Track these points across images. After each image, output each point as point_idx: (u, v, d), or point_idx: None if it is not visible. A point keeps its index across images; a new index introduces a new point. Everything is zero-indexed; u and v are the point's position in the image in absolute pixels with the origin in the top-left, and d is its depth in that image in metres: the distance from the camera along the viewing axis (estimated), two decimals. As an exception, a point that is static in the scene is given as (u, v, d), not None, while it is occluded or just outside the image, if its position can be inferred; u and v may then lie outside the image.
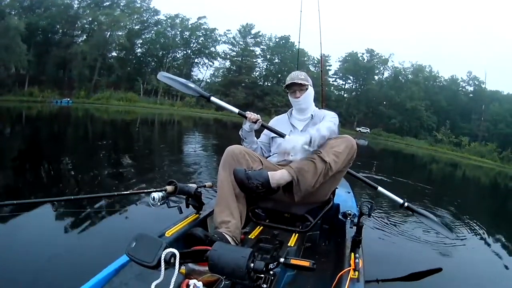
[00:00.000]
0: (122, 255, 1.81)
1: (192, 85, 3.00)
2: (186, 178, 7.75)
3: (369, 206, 2.14)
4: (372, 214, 2.18)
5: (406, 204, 2.71)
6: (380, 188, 2.71)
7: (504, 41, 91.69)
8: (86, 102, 42.75)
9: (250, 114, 2.78)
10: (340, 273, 1.79)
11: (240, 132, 2.91)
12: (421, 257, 4.41)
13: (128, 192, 2.59)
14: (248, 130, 2.82)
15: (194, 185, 2.54)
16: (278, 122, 3.02)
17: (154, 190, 2.30)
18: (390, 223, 5.74)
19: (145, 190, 2.38)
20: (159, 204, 2.27)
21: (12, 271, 3.02)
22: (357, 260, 1.85)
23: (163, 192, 2.30)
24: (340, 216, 2.72)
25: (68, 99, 41.08)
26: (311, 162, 2.20)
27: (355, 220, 2.23)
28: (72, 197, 2.28)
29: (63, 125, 19.00)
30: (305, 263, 1.70)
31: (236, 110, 2.92)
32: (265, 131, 2.99)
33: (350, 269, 1.79)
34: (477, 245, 5.45)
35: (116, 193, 2.55)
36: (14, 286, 2.83)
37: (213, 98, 2.95)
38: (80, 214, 4.53)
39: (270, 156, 2.99)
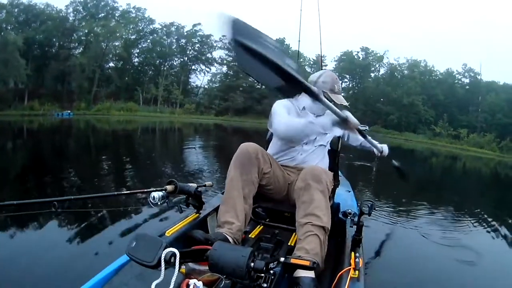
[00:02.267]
0: (122, 255, 1.81)
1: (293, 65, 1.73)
2: (187, 177, 8.06)
3: (369, 205, 2.17)
4: (372, 213, 2.19)
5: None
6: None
7: (498, 31, 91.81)
8: (87, 113, 42.88)
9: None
10: (340, 273, 1.80)
11: (304, 124, 2.44)
12: (425, 253, 4.43)
13: (128, 192, 2.56)
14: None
15: (194, 185, 2.51)
16: (286, 109, 2.65)
17: (154, 189, 2.27)
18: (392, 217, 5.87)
19: (145, 190, 2.33)
20: (159, 203, 2.24)
21: (12, 271, 3.15)
22: (357, 260, 1.87)
23: (163, 191, 2.28)
24: (340, 215, 2.65)
25: (69, 111, 41.26)
26: (315, 237, 2.01)
27: (355, 219, 2.24)
28: (72, 197, 2.22)
29: (68, 137, 19.20)
30: (305, 263, 1.77)
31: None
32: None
33: (350, 269, 1.81)
34: (482, 237, 5.56)
35: (116, 193, 2.54)
36: (13, 285, 2.94)
37: (322, 98, 1.93)
38: (80, 214, 4.65)
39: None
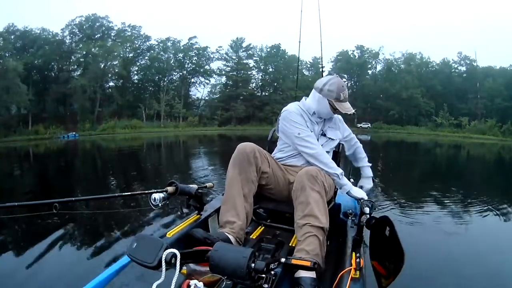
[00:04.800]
0: (123, 256, 1.80)
1: None
2: (192, 179, 8.43)
3: (370, 206, 2.14)
4: (372, 213, 2.15)
5: None
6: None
7: (490, 15, 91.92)
8: (92, 134, 43.12)
9: None
10: (341, 273, 1.77)
11: None
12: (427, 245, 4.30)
13: (129, 193, 2.47)
14: None
15: (195, 186, 2.48)
16: (302, 119, 2.59)
17: (155, 191, 2.23)
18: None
19: (146, 191, 2.27)
20: (160, 205, 2.20)
21: (14, 271, 3.27)
22: (358, 260, 1.84)
23: (164, 193, 2.25)
24: (341, 216, 2.68)
25: (74, 133, 41.60)
26: (314, 237, 2.00)
27: (356, 219, 2.24)
28: (73, 198, 2.15)
29: (81, 158, 19.29)
30: (306, 263, 1.72)
31: None
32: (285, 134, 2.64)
33: (351, 269, 1.78)
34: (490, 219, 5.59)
35: (117, 194, 2.53)
36: (15, 286, 3.02)
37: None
38: (81, 215, 4.75)
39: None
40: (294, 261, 1.72)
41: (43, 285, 3.07)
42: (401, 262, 1.62)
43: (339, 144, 2.88)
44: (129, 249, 1.29)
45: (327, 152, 2.63)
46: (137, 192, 2.46)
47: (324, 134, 2.67)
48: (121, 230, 4.55)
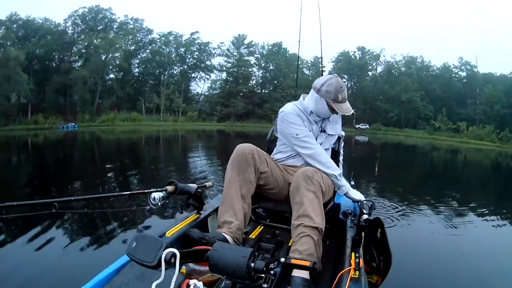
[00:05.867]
0: (123, 255, 1.77)
1: None
2: (192, 177, 8.37)
3: (369, 206, 2.16)
4: (372, 213, 2.16)
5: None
6: None
7: (492, 23, 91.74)
8: (92, 125, 43.15)
9: None
10: (341, 273, 1.75)
11: None
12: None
13: (128, 192, 2.42)
14: None
15: (195, 185, 2.47)
16: (300, 119, 2.58)
17: (155, 190, 2.23)
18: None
19: (145, 190, 2.27)
20: (159, 204, 2.19)
21: (13, 272, 3.22)
22: (357, 260, 1.81)
23: (164, 192, 2.24)
24: (340, 216, 2.65)
25: (74, 123, 41.67)
26: (308, 237, 1.98)
27: (356, 219, 2.25)
28: (73, 198, 2.13)
29: (83, 149, 19.23)
30: (306, 263, 1.77)
31: None
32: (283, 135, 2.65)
33: (350, 269, 1.75)
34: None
35: (116, 194, 2.48)
36: (14, 285, 3.00)
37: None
38: (81, 214, 4.76)
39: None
40: (293, 261, 1.79)
41: (43, 284, 3.09)
42: (389, 264, 1.70)
43: (338, 143, 2.86)
44: (128, 248, 1.30)
45: (327, 149, 2.66)
46: (137, 192, 2.45)
47: (323, 131, 2.66)
48: (121, 229, 4.57)
